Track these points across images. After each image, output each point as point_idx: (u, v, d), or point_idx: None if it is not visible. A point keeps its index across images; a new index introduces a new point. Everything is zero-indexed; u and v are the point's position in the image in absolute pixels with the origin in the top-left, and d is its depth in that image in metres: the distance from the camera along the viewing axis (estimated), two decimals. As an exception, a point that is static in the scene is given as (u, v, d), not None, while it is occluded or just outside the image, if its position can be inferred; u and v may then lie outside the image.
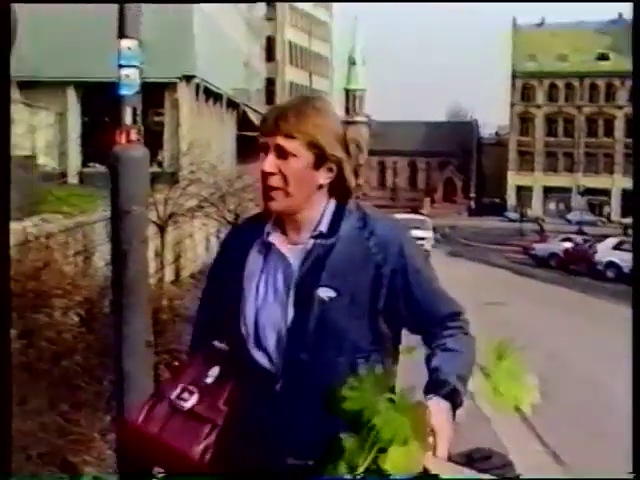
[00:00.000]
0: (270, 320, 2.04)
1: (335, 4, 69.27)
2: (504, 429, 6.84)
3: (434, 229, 40.03)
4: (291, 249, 2.06)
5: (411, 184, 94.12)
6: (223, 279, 2.15)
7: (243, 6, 32.76)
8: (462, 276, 23.33)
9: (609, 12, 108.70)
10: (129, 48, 3.81)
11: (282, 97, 50.88)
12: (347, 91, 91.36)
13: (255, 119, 30.46)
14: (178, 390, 2.06)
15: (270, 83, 47.07)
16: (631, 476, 1.80)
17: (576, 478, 1.58)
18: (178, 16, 20.49)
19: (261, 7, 41.18)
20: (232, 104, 29.45)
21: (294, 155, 1.99)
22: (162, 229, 12.45)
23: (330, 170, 2.03)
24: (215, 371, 2.08)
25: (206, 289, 2.27)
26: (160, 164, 17.56)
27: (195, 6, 22.24)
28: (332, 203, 2.09)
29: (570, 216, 74.02)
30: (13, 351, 5.15)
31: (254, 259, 2.09)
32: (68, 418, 4.97)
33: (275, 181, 2.01)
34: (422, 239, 35.17)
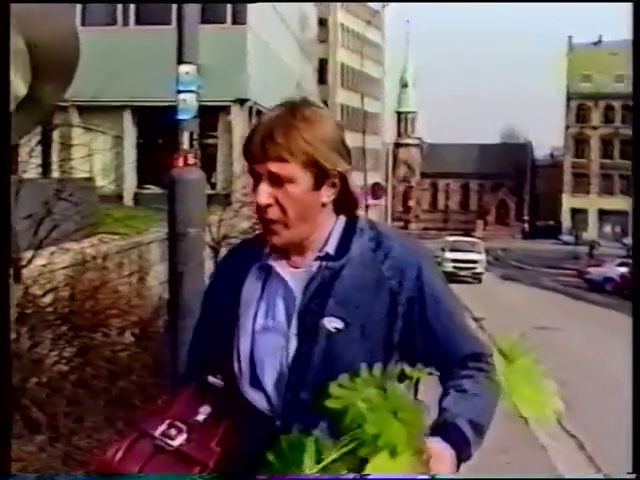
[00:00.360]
0: (268, 354, 1.79)
1: (387, 24, 69.55)
2: (560, 456, 6.71)
3: (487, 252, 39.65)
4: (293, 273, 1.81)
5: (463, 206, 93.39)
6: (217, 306, 1.89)
7: (296, 28, 33.08)
8: (515, 300, 23.00)
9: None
10: (187, 73, 3.88)
11: (334, 119, 50.97)
12: (399, 113, 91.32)
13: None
14: (164, 426, 1.77)
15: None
16: (631, 476, 1.69)
17: (576, 478, 1.51)
18: (231, 39, 20.79)
19: (313, 28, 41.49)
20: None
21: (290, 181, 1.73)
22: (216, 251, 12.54)
23: (333, 185, 1.78)
24: (207, 408, 1.81)
25: (200, 316, 2.00)
26: (214, 186, 17.75)
27: (249, 28, 22.55)
28: (341, 221, 1.84)
29: (627, 240, 72.55)
30: (71, 369, 5.25)
31: (252, 284, 1.84)
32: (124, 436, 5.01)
33: (273, 213, 1.75)
34: (474, 262, 35.07)
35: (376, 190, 34.44)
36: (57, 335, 5.21)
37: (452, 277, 29.63)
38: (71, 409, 4.72)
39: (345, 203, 1.83)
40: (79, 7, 19.57)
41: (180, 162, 4.07)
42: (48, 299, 5.20)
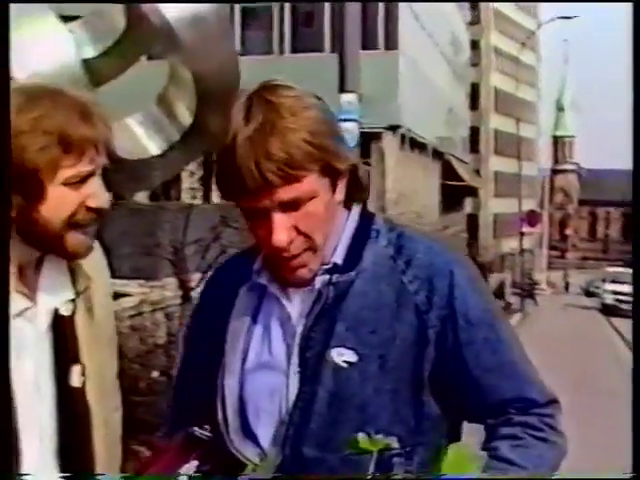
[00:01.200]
0: (263, 398, 1.41)
1: (542, 45, 68.06)
2: None
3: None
4: (292, 293, 1.41)
5: (625, 236, 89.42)
6: (201, 340, 1.53)
7: (448, 51, 32.89)
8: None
9: None
10: (349, 102, 3.85)
11: (486, 146, 50.32)
12: (555, 138, 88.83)
13: (460, 168, 30.27)
14: None
15: (474, 131, 46.63)
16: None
17: (576, 478, 1.30)
18: (384, 65, 20.88)
19: (466, 51, 41.13)
20: (437, 153, 29.45)
21: (310, 197, 1.32)
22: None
23: (343, 178, 1.38)
24: (194, 464, 1.44)
25: (183, 354, 1.64)
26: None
27: (401, 54, 22.59)
28: (352, 221, 1.43)
29: None
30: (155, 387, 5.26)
31: (241, 310, 1.45)
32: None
33: (297, 246, 1.34)
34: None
35: (532, 217, 33.50)
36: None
37: (613, 311, 28.49)
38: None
39: (353, 192, 1.42)
40: (237, 37, 20.27)
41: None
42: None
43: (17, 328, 1.42)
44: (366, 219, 1.44)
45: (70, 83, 2.31)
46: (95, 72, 2.92)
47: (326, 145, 1.32)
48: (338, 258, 1.39)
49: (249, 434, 1.41)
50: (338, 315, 1.36)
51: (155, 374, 4.70)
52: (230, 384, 1.42)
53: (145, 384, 4.50)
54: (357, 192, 1.42)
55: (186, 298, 4.05)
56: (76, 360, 1.50)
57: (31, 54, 2.40)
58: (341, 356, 1.34)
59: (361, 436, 1.17)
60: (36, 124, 1.37)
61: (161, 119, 3.44)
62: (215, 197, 6.94)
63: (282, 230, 1.32)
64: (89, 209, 1.43)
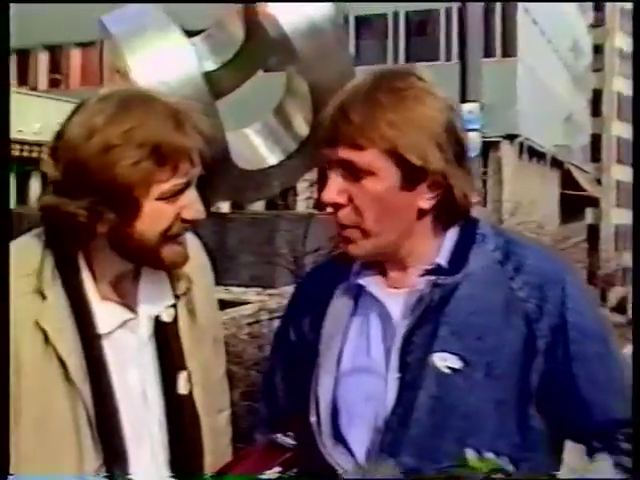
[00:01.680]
0: (358, 403, 1.35)
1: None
2: None
3: None
4: (392, 294, 1.36)
5: None
6: (293, 341, 1.49)
7: (569, 57, 32.00)
8: None
9: None
10: (471, 112, 3.80)
11: (608, 154, 48.62)
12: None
13: (580, 178, 29.38)
14: None
15: (595, 139, 45.12)
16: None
17: (576, 478, 1.17)
18: (502, 72, 20.53)
19: (587, 56, 39.89)
20: (556, 162, 28.68)
21: (369, 173, 1.28)
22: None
23: (434, 187, 1.30)
24: (274, 471, 1.37)
25: (272, 354, 1.61)
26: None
27: (519, 61, 22.12)
28: (454, 228, 1.38)
29: None
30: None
31: (337, 310, 1.40)
32: None
33: (346, 216, 1.32)
34: None
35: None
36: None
37: None
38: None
39: (450, 213, 1.35)
40: (352, 46, 20.38)
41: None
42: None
43: (120, 339, 1.42)
44: (470, 223, 1.39)
45: (193, 96, 2.38)
46: (216, 84, 2.99)
47: (406, 132, 1.27)
48: (442, 260, 1.34)
49: (341, 440, 1.36)
50: (442, 318, 1.30)
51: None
52: (325, 385, 1.37)
53: (262, 391, 4.56)
54: (452, 212, 1.35)
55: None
56: (182, 367, 1.47)
57: (156, 67, 2.48)
58: (444, 361, 1.29)
59: (470, 454, 1.13)
60: (128, 137, 1.30)
61: (278, 129, 3.49)
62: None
63: (334, 188, 1.31)
64: (184, 220, 1.38)
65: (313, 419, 1.37)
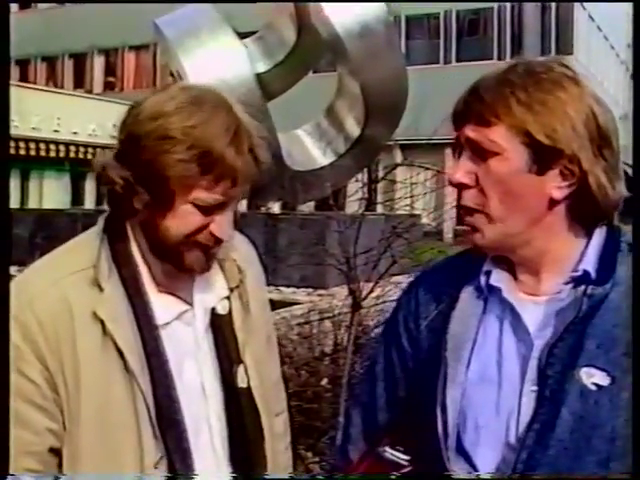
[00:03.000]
0: (487, 415, 1.26)
1: None
2: None
3: None
4: (526, 301, 1.27)
5: None
6: (404, 346, 1.40)
7: (626, 54, 31.37)
8: None
9: None
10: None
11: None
12: None
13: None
14: None
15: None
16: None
17: (576, 478, 1.10)
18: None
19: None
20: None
21: (494, 153, 1.22)
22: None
23: (567, 175, 1.22)
24: None
25: (374, 360, 1.48)
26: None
27: (574, 59, 21.76)
28: (600, 231, 1.28)
29: None
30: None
31: (465, 313, 1.30)
32: None
33: (471, 198, 1.26)
34: None
35: None
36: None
37: None
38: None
39: (587, 209, 1.25)
40: (403, 46, 20.30)
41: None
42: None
43: (176, 331, 1.43)
44: (613, 229, 1.29)
45: (245, 97, 2.39)
46: (267, 86, 3.01)
47: (537, 111, 1.20)
48: (589, 266, 1.24)
49: (462, 453, 1.27)
50: (589, 331, 1.20)
51: (324, 382, 4.76)
52: (453, 397, 1.27)
53: (312, 391, 4.56)
54: (590, 208, 1.24)
55: (356, 307, 4.08)
56: (239, 360, 1.47)
57: (209, 69, 2.51)
58: (591, 377, 1.19)
59: None
60: (186, 134, 1.31)
61: (329, 130, 3.49)
62: (380, 207, 6.98)
63: (461, 168, 1.25)
64: (212, 234, 1.38)
65: (440, 430, 1.27)
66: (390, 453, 1.30)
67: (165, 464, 1.37)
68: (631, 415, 1.17)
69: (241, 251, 1.50)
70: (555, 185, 1.22)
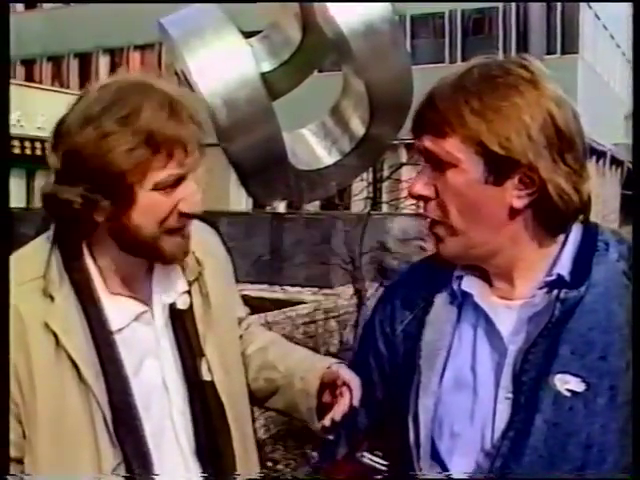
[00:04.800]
0: (462, 423, 1.24)
1: None
2: None
3: None
4: (500, 306, 1.25)
5: None
6: (381, 351, 1.38)
7: (629, 51, 31.31)
8: None
9: None
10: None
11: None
12: None
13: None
14: None
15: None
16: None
17: (576, 478, 1.10)
18: (561, 70, 20.17)
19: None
20: (616, 161, 28.10)
21: (451, 164, 1.19)
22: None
23: (528, 183, 1.18)
24: None
25: (352, 367, 1.48)
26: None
27: (580, 58, 21.71)
28: (575, 229, 1.26)
29: None
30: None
31: (439, 320, 1.28)
32: None
33: (431, 209, 1.24)
34: None
35: None
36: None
37: None
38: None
39: (551, 216, 1.22)
40: (408, 46, 20.29)
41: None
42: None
43: (135, 333, 1.42)
44: (590, 229, 1.28)
45: (250, 97, 2.39)
46: (272, 85, 3.00)
47: (490, 119, 1.16)
48: (563, 270, 1.22)
49: (438, 460, 1.26)
50: (562, 335, 1.18)
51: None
52: (426, 406, 1.26)
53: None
54: (553, 215, 1.21)
55: (361, 307, 4.10)
56: (202, 353, 1.46)
57: (213, 68, 2.51)
58: (565, 384, 1.18)
59: None
60: (122, 124, 1.30)
61: (334, 129, 3.49)
62: (385, 207, 6.98)
63: (421, 180, 1.24)
64: (182, 214, 1.37)
65: (412, 439, 1.27)
66: (368, 458, 1.29)
67: (123, 470, 1.36)
68: (631, 415, 1.16)
69: (200, 242, 1.49)
70: (515, 194, 1.19)
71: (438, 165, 1.22)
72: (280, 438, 4.45)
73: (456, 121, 1.18)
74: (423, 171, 1.25)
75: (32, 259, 1.41)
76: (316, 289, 8.32)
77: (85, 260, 1.41)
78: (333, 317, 5.67)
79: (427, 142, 1.22)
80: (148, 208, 1.34)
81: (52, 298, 1.37)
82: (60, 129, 1.36)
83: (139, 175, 1.32)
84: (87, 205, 1.33)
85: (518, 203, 1.21)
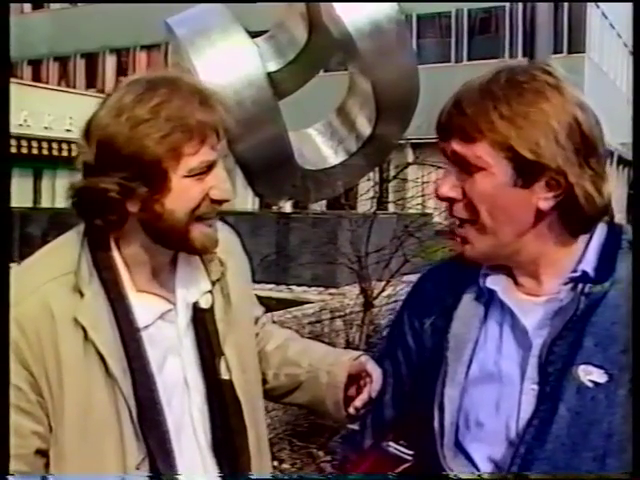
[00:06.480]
0: (487, 412, 1.28)
1: None
2: None
3: None
4: (526, 302, 1.29)
5: None
6: (410, 345, 1.43)
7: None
8: None
9: None
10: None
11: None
12: None
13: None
14: None
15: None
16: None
17: (575, 478, 1.09)
18: (568, 69, 20.11)
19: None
20: (623, 161, 28.03)
21: (480, 168, 1.23)
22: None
23: (554, 186, 1.22)
24: None
25: (381, 359, 1.53)
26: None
27: (587, 58, 21.65)
28: (600, 227, 1.30)
29: None
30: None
31: (467, 315, 1.33)
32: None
33: (459, 211, 1.27)
34: None
35: None
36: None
37: None
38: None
39: (576, 216, 1.25)
40: (414, 46, 20.26)
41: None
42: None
43: (159, 330, 1.44)
44: (615, 228, 1.32)
45: (256, 96, 2.40)
46: (278, 85, 3.01)
47: (520, 125, 1.20)
48: (588, 266, 1.26)
49: (462, 449, 1.30)
50: (588, 328, 1.22)
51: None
52: (451, 396, 1.30)
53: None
54: (578, 216, 1.25)
55: (367, 306, 4.09)
56: (221, 352, 1.49)
57: (220, 68, 2.51)
58: (588, 375, 1.21)
59: None
60: (157, 111, 1.33)
61: (340, 129, 3.49)
62: (392, 206, 6.97)
63: (447, 183, 1.27)
64: (213, 201, 1.39)
65: (436, 427, 1.30)
66: (394, 447, 1.33)
67: (147, 465, 1.38)
68: (631, 414, 1.18)
69: (222, 241, 1.50)
70: (542, 197, 1.23)
71: (465, 168, 1.25)
72: (286, 437, 4.46)
73: (486, 127, 1.21)
74: (449, 173, 1.28)
75: (63, 254, 1.43)
76: (322, 289, 8.32)
77: (114, 257, 1.44)
78: (339, 317, 5.67)
79: (456, 146, 1.24)
80: (181, 194, 1.36)
81: (82, 294, 1.38)
82: (92, 124, 1.38)
83: (173, 161, 1.34)
84: (123, 193, 1.35)
85: (545, 205, 1.24)
